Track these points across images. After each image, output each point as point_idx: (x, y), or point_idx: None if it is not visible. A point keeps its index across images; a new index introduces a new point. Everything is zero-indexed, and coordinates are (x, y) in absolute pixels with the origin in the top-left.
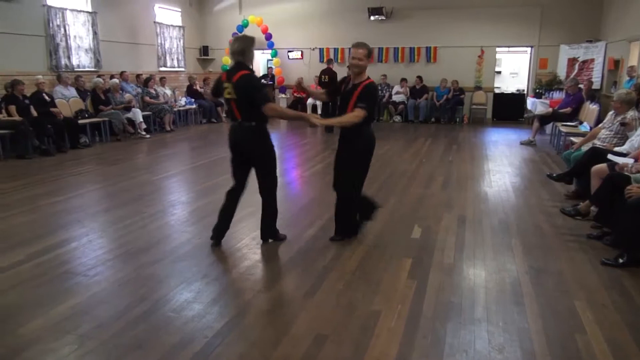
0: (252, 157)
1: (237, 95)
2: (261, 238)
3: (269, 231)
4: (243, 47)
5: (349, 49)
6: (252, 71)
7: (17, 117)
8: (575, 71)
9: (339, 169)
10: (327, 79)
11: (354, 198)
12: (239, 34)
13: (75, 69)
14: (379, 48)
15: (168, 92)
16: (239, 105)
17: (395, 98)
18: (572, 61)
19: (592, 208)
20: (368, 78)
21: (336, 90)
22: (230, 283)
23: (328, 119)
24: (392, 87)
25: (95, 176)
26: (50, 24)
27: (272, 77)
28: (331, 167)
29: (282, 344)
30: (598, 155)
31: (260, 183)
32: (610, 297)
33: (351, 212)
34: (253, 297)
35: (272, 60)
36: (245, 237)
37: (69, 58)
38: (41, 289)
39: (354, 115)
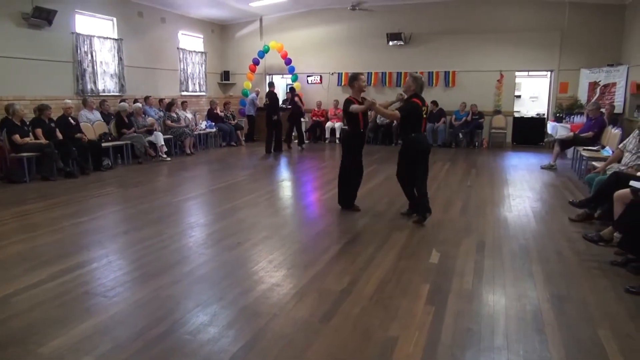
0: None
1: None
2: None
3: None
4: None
5: (368, 73)
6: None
7: (43, 140)
8: (597, 95)
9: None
10: (267, 101)
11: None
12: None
13: (101, 94)
14: (397, 73)
15: (189, 115)
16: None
17: None
18: (593, 85)
19: (616, 234)
20: (412, 97)
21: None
22: (246, 306)
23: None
24: None
25: (116, 198)
26: (78, 51)
27: (300, 99)
28: None
29: None
30: (621, 179)
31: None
32: (635, 327)
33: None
34: (269, 321)
35: (292, 85)
36: (262, 260)
37: (94, 83)
38: (62, 308)
39: (392, 113)
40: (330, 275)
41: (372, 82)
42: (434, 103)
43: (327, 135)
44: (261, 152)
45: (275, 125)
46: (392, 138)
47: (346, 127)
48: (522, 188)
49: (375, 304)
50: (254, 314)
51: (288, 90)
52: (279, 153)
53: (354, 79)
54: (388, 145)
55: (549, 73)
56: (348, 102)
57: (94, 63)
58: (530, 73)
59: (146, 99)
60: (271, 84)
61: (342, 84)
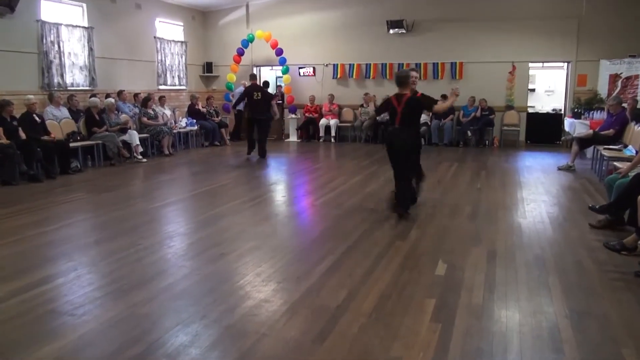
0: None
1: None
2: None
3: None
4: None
5: (367, 64)
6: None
7: (4, 140)
8: (618, 88)
9: None
10: (259, 95)
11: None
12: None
13: (69, 88)
14: (399, 64)
15: (167, 112)
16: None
17: None
18: (614, 77)
19: None
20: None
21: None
22: (231, 325)
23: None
24: None
25: (86, 204)
26: (44, 40)
27: (282, 96)
28: (345, 195)
29: None
30: None
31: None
32: None
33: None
34: (257, 341)
35: (282, 77)
36: (249, 273)
37: (62, 76)
38: (23, 329)
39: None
40: (325, 290)
41: (372, 74)
42: (443, 97)
43: (322, 133)
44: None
45: (263, 125)
46: None
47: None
48: (537, 191)
49: (375, 321)
50: (240, 333)
51: (278, 85)
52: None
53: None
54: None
55: (565, 64)
56: (427, 99)
57: (62, 54)
58: (545, 64)
59: (119, 93)
60: (253, 76)
61: (338, 76)
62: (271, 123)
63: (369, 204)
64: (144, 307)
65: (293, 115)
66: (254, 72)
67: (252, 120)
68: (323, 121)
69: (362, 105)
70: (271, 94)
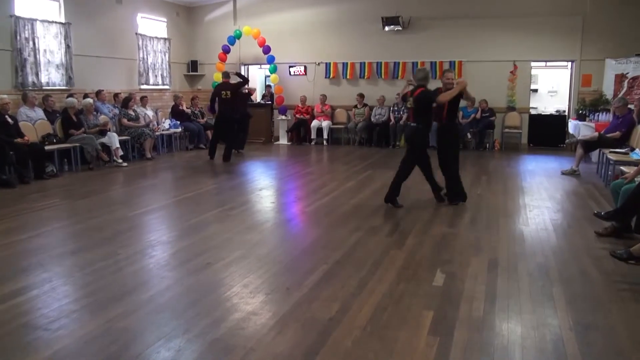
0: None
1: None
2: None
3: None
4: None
5: (361, 63)
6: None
7: None
8: (624, 89)
9: None
10: (228, 94)
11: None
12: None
13: (44, 87)
14: (395, 63)
15: (150, 113)
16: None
17: None
18: (619, 77)
19: None
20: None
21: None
22: (217, 339)
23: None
24: None
25: (62, 211)
26: (18, 37)
27: (271, 97)
28: (338, 201)
29: None
30: None
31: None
32: None
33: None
34: (244, 356)
35: (270, 76)
36: (236, 284)
37: (37, 75)
38: None
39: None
40: (317, 302)
41: (366, 74)
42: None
43: (313, 135)
44: (237, 156)
45: (241, 123)
46: (388, 139)
47: (415, 124)
48: (541, 197)
49: (370, 335)
50: (226, 348)
51: (266, 85)
52: (227, 163)
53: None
54: (384, 148)
55: (569, 64)
56: (436, 92)
57: (37, 51)
58: (549, 64)
59: (98, 93)
60: (225, 74)
61: (330, 75)
62: (247, 123)
63: (364, 210)
64: (123, 321)
65: (283, 117)
66: (240, 69)
67: (221, 121)
68: (315, 123)
69: (355, 106)
70: (241, 91)
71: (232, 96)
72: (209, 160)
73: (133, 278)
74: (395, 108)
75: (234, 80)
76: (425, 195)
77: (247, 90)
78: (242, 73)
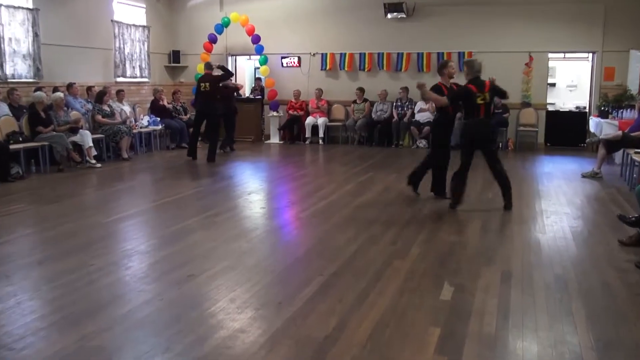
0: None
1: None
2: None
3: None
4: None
5: (360, 54)
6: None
7: None
8: None
9: None
10: (207, 86)
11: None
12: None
13: (9, 80)
14: (398, 54)
15: (127, 108)
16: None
17: (418, 117)
18: None
19: None
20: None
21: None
22: (201, 359)
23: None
24: (415, 104)
25: (28, 217)
26: None
27: (261, 91)
28: (335, 206)
29: None
30: None
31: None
32: None
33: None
34: None
35: (259, 68)
36: (222, 298)
37: (1, 66)
38: None
39: (441, 98)
40: (312, 318)
41: (366, 65)
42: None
43: (308, 134)
44: (223, 156)
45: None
46: (391, 138)
47: (488, 118)
48: (559, 202)
49: (370, 353)
50: None
51: (256, 78)
52: (211, 164)
53: (443, 66)
54: (387, 147)
55: (590, 55)
56: (436, 88)
57: (1, 40)
58: (567, 55)
59: (69, 87)
60: (207, 66)
61: (327, 67)
62: (233, 120)
63: (364, 216)
64: (96, 339)
65: (275, 113)
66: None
67: (198, 116)
68: (309, 120)
69: (354, 102)
70: (225, 84)
71: (211, 89)
72: (191, 161)
73: (107, 291)
74: (399, 103)
75: (219, 72)
76: (432, 200)
77: (234, 85)
78: (226, 66)
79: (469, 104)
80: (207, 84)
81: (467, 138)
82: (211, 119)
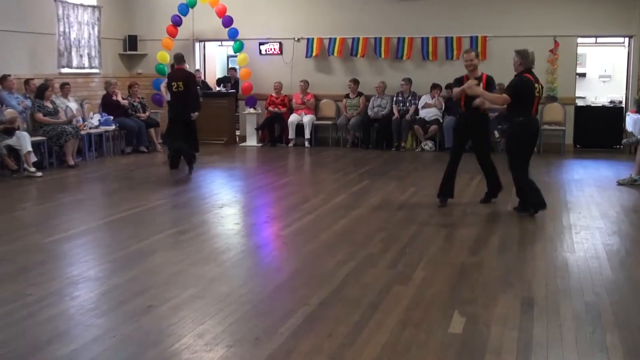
0: None
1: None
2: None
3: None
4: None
5: (354, 39)
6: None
7: None
8: None
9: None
10: (181, 86)
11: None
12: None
13: None
14: (399, 39)
15: (73, 105)
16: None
17: (423, 114)
18: None
19: None
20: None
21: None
22: None
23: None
24: (419, 98)
25: None
26: None
27: (236, 83)
28: (324, 221)
29: None
30: None
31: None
32: None
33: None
34: None
35: (235, 56)
36: (188, 333)
37: None
38: None
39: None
40: (295, 356)
41: (360, 51)
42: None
43: (291, 134)
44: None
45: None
46: (391, 139)
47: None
48: (590, 215)
49: None
50: None
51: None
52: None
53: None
54: (385, 150)
55: (626, 40)
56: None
57: None
58: (599, 40)
59: (3, 79)
60: (178, 58)
61: (314, 54)
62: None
63: (358, 233)
64: None
65: (251, 110)
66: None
67: (173, 121)
68: (293, 117)
69: (347, 96)
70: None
71: (186, 89)
72: (170, 171)
73: (49, 327)
74: (400, 98)
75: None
76: (440, 214)
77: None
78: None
79: (528, 96)
80: (181, 82)
81: (528, 137)
82: (191, 125)
